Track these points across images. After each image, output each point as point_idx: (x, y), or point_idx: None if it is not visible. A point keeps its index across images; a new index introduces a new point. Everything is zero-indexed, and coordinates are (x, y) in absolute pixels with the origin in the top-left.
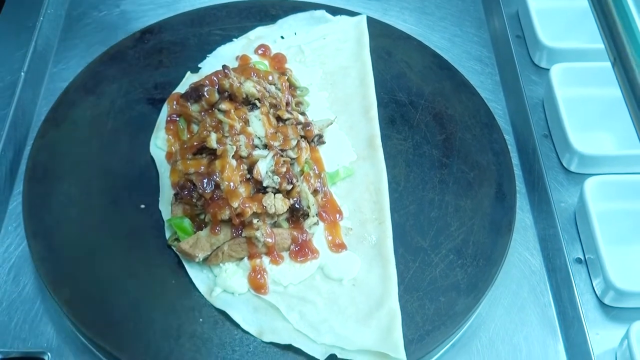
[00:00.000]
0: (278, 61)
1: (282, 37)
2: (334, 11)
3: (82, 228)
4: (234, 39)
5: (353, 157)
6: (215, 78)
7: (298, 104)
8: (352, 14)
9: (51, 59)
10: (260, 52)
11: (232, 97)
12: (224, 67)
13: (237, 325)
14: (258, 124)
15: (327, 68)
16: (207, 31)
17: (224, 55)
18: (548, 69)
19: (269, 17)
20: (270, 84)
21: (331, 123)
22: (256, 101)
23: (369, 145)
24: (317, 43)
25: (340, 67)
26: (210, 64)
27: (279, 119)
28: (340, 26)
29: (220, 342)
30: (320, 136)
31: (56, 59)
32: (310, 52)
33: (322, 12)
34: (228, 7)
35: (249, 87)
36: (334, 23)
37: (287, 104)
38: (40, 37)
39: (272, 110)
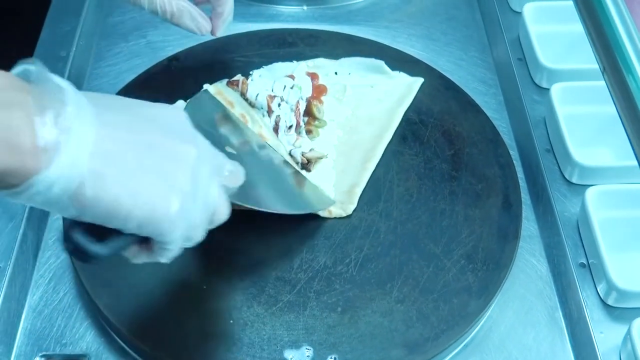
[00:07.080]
0: (319, 91)
1: (335, 73)
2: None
3: None
4: (294, 61)
5: (331, 195)
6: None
7: (309, 131)
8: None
9: (84, 85)
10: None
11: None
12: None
13: (264, 326)
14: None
15: (357, 112)
16: (230, 58)
17: (278, 70)
18: (548, 89)
19: (287, 44)
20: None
21: (322, 157)
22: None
23: (348, 191)
24: (363, 89)
25: (368, 116)
26: (265, 76)
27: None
28: (393, 82)
29: (249, 341)
30: (309, 162)
31: (88, 86)
32: (352, 93)
33: (381, 63)
34: (248, 35)
35: (262, 97)
36: (389, 77)
37: (292, 126)
38: (74, 66)
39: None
